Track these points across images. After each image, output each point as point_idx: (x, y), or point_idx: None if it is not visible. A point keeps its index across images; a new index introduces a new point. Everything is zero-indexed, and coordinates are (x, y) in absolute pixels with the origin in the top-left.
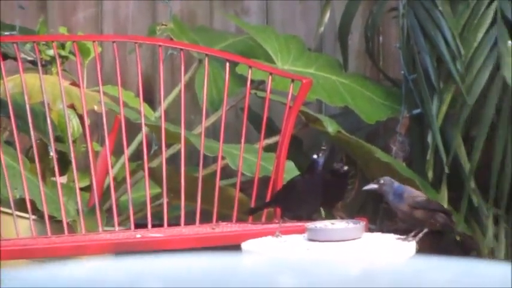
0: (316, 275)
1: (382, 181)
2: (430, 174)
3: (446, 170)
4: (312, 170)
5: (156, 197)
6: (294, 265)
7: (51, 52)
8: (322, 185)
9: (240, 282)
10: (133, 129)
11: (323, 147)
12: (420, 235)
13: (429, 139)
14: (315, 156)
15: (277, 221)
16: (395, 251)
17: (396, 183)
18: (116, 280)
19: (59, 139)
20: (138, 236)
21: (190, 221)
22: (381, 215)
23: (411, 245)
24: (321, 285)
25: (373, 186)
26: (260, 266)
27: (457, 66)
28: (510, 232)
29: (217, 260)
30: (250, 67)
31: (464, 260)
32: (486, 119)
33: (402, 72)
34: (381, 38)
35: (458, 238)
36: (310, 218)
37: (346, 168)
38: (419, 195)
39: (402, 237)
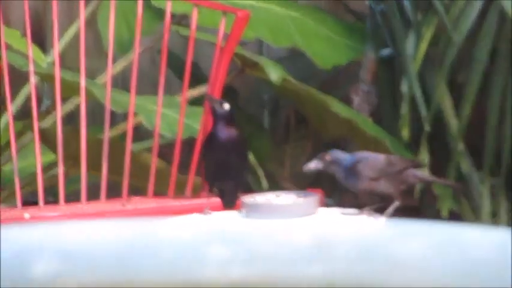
0: (256, 246)
1: (328, 157)
2: (405, 133)
3: (427, 128)
4: (216, 124)
5: (49, 166)
6: (227, 235)
7: None
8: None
9: (159, 255)
10: (19, 78)
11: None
12: (391, 210)
13: (404, 88)
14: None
15: (205, 195)
16: (359, 227)
17: (346, 157)
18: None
19: None
20: (27, 215)
21: (94, 196)
22: (340, 187)
23: (380, 221)
24: (263, 257)
25: (317, 165)
26: (186, 237)
27: None
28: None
29: (133, 228)
30: None
31: (447, 225)
32: (478, 61)
33: (368, 2)
34: None
35: (445, 214)
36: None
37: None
38: (376, 160)
39: (366, 211)
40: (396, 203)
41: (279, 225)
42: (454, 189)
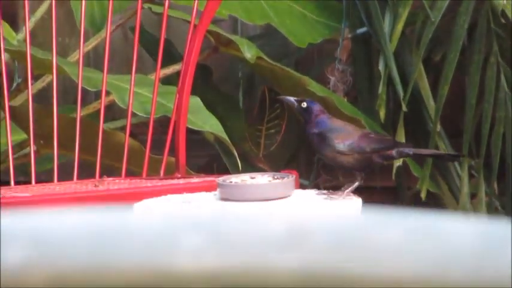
0: (230, 233)
1: (304, 104)
2: (382, 113)
3: (404, 108)
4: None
5: (20, 145)
6: (200, 221)
7: None
8: None
9: (130, 242)
10: None
11: None
12: (349, 189)
13: (380, 66)
14: None
15: (179, 175)
16: (335, 210)
17: (323, 116)
18: None
19: None
20: None
21: (66, 175)
22: (316, 168)
23: (356, 203)
24: (236, 245)
25: (292, 102)
26: (157, 223)
27: None
28: (493, 189)
29: (103, 216)
30: None
31: (427, 212)
32: (456, 40)
33: None
34: None
35: (423, 196)
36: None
37: None
38: (348, 135)
39: (325, 192)
40: (356, 184)
41: (253, 210)
42: (451, 159)
